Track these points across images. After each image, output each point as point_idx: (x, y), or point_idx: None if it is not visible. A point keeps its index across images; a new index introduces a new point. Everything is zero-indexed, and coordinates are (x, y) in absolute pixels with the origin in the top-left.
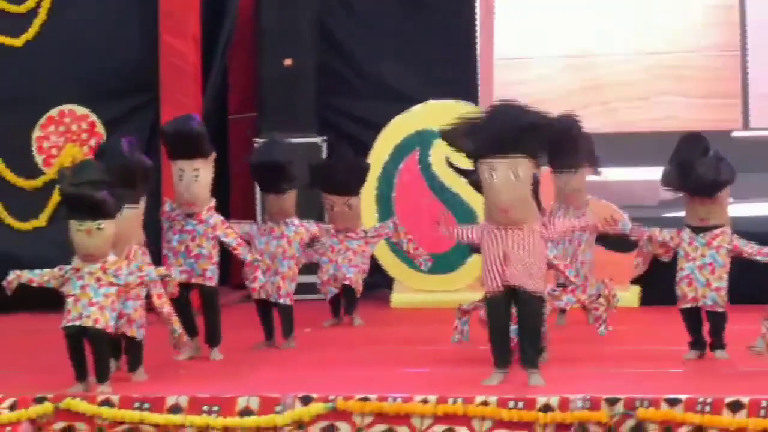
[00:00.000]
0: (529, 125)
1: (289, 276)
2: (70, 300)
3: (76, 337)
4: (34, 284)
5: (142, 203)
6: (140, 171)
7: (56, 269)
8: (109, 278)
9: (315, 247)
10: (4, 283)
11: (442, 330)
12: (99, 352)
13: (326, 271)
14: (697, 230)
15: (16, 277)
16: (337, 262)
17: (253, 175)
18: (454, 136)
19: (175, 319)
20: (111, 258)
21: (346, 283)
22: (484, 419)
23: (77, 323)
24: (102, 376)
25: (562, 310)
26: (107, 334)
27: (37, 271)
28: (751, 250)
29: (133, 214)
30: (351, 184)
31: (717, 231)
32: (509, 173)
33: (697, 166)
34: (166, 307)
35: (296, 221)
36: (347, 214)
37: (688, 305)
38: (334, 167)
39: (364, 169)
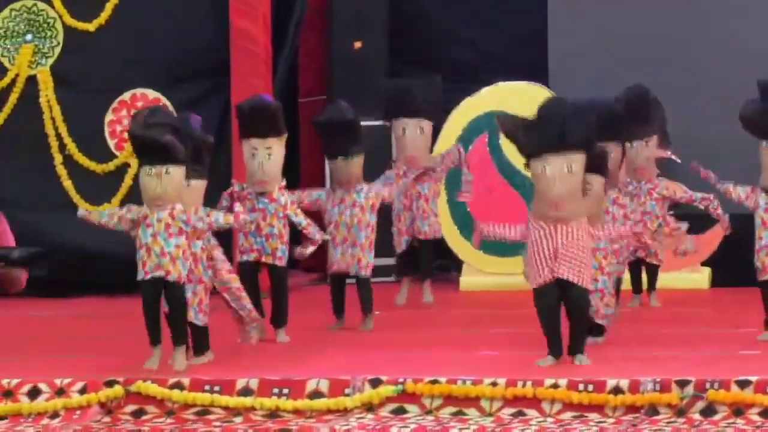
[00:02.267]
0: (572, 114)
1: (367, 246)
2: (142, 251)
3: (154, 290)
4: (103, 222)
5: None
6: (206, 146)
7: (124, 209)
8: (177, 224)
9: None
10: (78, 216)
11: (511, 313)
12: (175, 307)
13: (403, 220)
14: None
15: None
16: (412, 210)
17: (321, 134)
18: (511, 130)
19: (244, 295)
20: (179, 206)
21: (421, 237)
22: (553, 402)
23: (157, 273)
24: (179, 338)
25: (637, 291)
26: (182, 288)
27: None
28: None
29: (200, 185)
30: (424, 104)
31: None
32: (563, 166)
33: None
34: (236, 282)
35: (365, 186)
36: (418, 141)
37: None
38: (406, 87)
39: (438, 89)
